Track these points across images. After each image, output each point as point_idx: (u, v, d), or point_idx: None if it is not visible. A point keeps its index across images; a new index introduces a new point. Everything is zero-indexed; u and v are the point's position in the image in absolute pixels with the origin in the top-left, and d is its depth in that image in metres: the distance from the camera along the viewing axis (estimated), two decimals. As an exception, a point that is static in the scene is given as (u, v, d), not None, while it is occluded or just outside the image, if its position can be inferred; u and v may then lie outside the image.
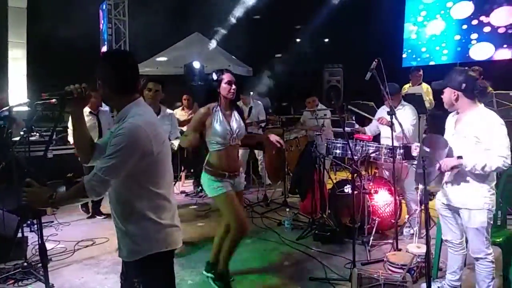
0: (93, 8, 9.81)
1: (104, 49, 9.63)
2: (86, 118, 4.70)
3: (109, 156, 1.68)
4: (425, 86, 6.52)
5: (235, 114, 3.11)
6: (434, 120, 6.57)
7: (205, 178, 3.10)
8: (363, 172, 4.39)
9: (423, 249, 3.35)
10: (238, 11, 9.58)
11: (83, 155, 1.93)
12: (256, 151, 6.65)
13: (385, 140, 4.39)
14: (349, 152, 3.87)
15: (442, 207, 2.88)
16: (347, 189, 4.24)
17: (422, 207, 3.44)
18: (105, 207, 5.08)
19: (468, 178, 2.62)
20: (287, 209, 5.03)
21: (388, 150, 4.07)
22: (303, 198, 5.08)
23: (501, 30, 6.77)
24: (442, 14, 7.56)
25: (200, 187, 6.50)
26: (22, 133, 4.98)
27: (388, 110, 3.81)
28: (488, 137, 2.52)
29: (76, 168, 5.26)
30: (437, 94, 6.16)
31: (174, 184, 6.36)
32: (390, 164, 3.99)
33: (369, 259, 3.71)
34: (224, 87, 3.00)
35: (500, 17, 6.75)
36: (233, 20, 9.71)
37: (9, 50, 8.28)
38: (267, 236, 4.48)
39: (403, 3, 8.28)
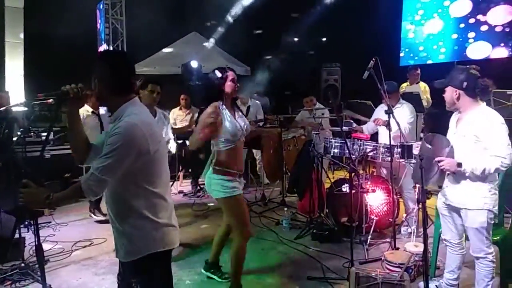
0: (90, 8, 9.77)
1: (101, 48, 9.60)
2: (89, 118, 4.73)
3: (106, 155, 1.68)
4: (422, 85, 6.54)
5: (237, 111, 3.11)
6: (431, 119, 6.60)
7: (215, 178, 2.94)
8: (361, 171, 4.39)
9: (420, 248, 3.36)
10: (236, 10, 9.57)
11: (79, 155, 1.92)
12: (254, 151, 6.64)
13: (383, 138, 4.40)
14: (347, 151, 3.87)
15: (442, 206, 2.89)
16: (345, 188, 4.25)
17: (420, 206, 3.44)
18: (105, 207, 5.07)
19: (468, 178, 2.61)
20: (285, 209, 5.03)
21: (386, 149, 4.08)
22: (301, 197, 5.08)
23: (498, 29, 6.78)
24: (440, 13, 7.57)
25: (198, 187, 6.50)
26: (19, 133, 4.97)
27: (386, 108, 3.82)
28: (487, 136, 2.51)
29: (74, 168, 5.25)
30: (435, 93, 6.22)
31: (172, 184, 6.38)
32: (388, 163, 3.99)
33: (367, 258, 3.72)
34: (229, 85, 2.98)
35: (497, 15, 6.75)
36: (230, 19, 9.70)
37: (5, 50, 8.25)
38: (265, 235, 4.48)
39: (401, 2, 8.28)
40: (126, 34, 9.78)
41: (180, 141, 6.37)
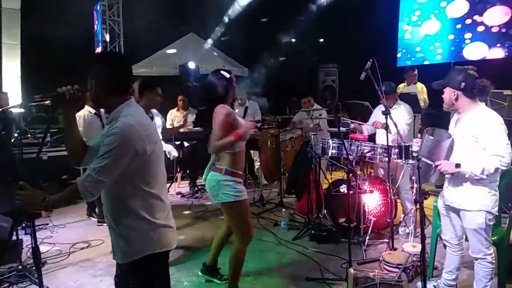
0: (87, 9, 9.75)
1: (98, 50, 9.59)
2: (92, 119, 4.70)
3: (102, 156, 1.67)
4: (419, 85, 6.56)
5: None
6: (428, 119, 6.61)
7: (228, 180, 2.83)
8: (359, 172, 4.40)
9: (418, 248, 3.37)
10: (233, 12, 9.58)
11: (75, 157, 1.91)
12: (252, 152, 6.64)
13: (381, 139, 4.41)
14: (345, 152, 3.87)
15: (442, 206, 2.89)
16: (343, 189, 4.25)
17: (417, 206, 3.45)
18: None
19: (467, 180, 2.61)
20: (283, 209, 5.02)
21: (383, 150, 4.08)
22: (299, 198, 5.08)
23: (494, 30, 6.81)
24: (436, 14, 7.59)
25: (196, 188, 6.49)
26: (16, 135, 4.95)
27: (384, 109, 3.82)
28: (486, 136, 2.51)
29: (71, 170, 5.23)
30: (433, 94, 6.23)
31: (170, 186, 6.37)
32: (385, 164, 4.00)
33: (365, 258, 3.72)
34: (234, 86, 2.98)
35: (494, 16, 6.78)
36: (228, 21, 9.70)
37: (3, 52, 8.23)
38: (263, 236, 4.48)
39: (398, 3, 8.30)
40: (123, 35, 9.77)
41: (177, 143, 6.37)
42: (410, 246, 3.57)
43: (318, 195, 4.77)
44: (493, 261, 2.68)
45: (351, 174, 3.62)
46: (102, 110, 4.87)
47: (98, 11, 9.56)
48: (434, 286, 3.08)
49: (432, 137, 2.68)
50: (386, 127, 3.82)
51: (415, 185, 4.53)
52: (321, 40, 11.84)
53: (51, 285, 3.32)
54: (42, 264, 3.69)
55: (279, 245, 4.22)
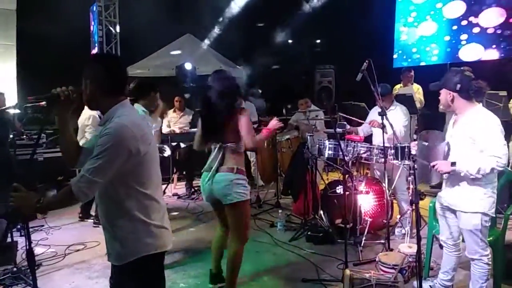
0: (83, 10, 9.73)
1: (94, 51, 9.56)
2: (98, 120, 4.65)
3: (96, 157, 1.67)
4: (416, 86, 6.59)
5: None
6: (424, 120, 6.64)
7: (240, 179, 2.88)
8: (355, 173, 4.40)
9: (414, 249, 3.37)
10: (230, 13, 9.58)
11: (69, 158, 1.91)
12: (248, 153, 6.63)
13: (377, 140, 4.42)
14: (340, 153, 3.88)
15: (439, 207, 2.91)
16: (339, 189, 4.26)
17: (413, 207, 3.46)
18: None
19: (463, 181, 2.62)
20: (280, 211, 5.02)
21: (380, 151, 4.09)
22: (296, 199, 5.08)
23: (489, 31, 6.84)
24: (432, 15, 7.62)
25: (192, 190, 6.48)
26: (11, 136, 4.93)
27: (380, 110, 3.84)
28: (482, 137, 2.52)
29: (67, 171, 5.22)
30: (429, 95, 6.25)
31: (166, 187, 6.36)
32: (382, 165, 4.01)
33: (361, 259, 3.73)
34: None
35: (489, 18, 6.81)
36: (224, 22, 9.70)
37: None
38: (260, 237, 4.47)
39: (394, 4, 8.33)
40: (120, 36, 9.75)
41: (174, 144, 6.36)
42: (406, 247, 3.58)
43: (314, 196, 4.77)
44: (490, 262, 2.69)
45: (347, 175, 3.63)
46: None
47: (94, 12, 9.53)
48: (430, 286, 3.08)
49: (426, 143, 2.69)
50: (382, 127, 3.83)
51: (411, 186, 4.54)
52: (318, 41, 11.87)
53: (46, 287, 3.30)
54: (37, 266, 3.67)
55: (276, 246, 4.22)
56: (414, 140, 4.89)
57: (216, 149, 2.93)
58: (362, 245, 3.95)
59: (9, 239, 3.75)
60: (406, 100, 5.03)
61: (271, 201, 5.84)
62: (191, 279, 3.48)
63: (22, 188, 1.68)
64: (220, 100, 2.87)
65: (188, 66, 8.39)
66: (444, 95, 2.72)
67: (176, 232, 4.64)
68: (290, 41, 10.72)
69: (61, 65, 8.13)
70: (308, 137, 4.67)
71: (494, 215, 2.67)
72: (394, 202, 4.57)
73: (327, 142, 4.35)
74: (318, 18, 9.61)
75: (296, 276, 3.49)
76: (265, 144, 5.95)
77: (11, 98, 7.79)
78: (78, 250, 4.17)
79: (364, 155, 4.18)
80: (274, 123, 3.18)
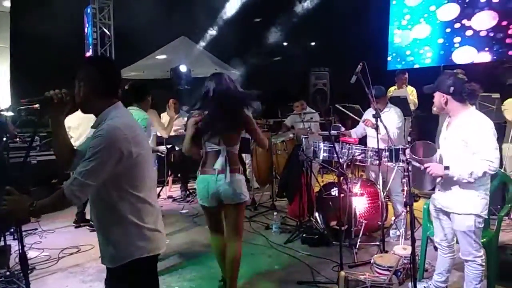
0: (77, 12, 9.69)
1: (89, 53, 9.52)
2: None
3: (89, 159, 1.66)
4: (410, 89, 6.64)
5: None
6: (418, 122, 6.68)
7: (243, 180, 2.99)
8: (350, 175, 4.41)
9: (409, 251, 3.37)
10: (224, 15, 9.59)
11: (63, 161, 1.90)
12: (244, 155, 6.63)
13: (372, 141, 4.43)
14: (335, 155, 3.89)
15: (433, 209, 2.92)
16: (334, 192, 4.26)
17: (407, 209, 3.48)
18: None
19: (457, 183, 2.64)
20: (275, 213, 5.02)
21: (374, 153, 4.11)
22: (291, 201, 5.08)
23: (482, 34, 6.90)
24: (426, 18, 7.68)
25: (187, 192, 6.46)
26: (4, 139, 4.88)
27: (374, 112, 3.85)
28: (475, 140, 2.53)
29: (61, 174, 5.18)
30: (422, 97, 6.28)
31: (161, 190, 6.34)
32: (376, 167, 4.02)
33: (356, 261, 3.73)
34: None
35: (482, 20, 6.88)
36: (219, 24, 9.71)
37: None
38: (255, 240, 4.47)
39: (388, 7, 8.38)
40: (114, 38, 9.71)
41: (169, 146, 6.34)
42: (401, 249, 3.59)
43: (309, 198, 4.78)
44: (483, 263, 2.71)
45: (342, 177, 3.64)
46: None
47: (88, 14, 9.50)
48: (424, 287, 3.10)
49: (417, 165, 2.68)
50: (376, 127, 3.85)
51: (405, 188, 4.56)
52: (313, 43, 11.91)
53: (39, 291, 3.28)
54: (31, 270, 3.64)
55: (271, 249, 4.22)
56: (409, 142, 4.93)
57: (220, 150, 2.88)
58: (357, 247, 3.95)
59: (2, 243, 3.71)
60: (400, 102, 5.06)
61: (266, 203, 5.84)
62: (186, 282, 3.47)
63: (15, 192, 1.67)
64: (242, 101, 2.90)
65: (183, 68, 8.38)
66: (438, 98, 2.73)
67: (171, 235, 4.62)
68: (285, 43, 10.75)
69: (55, 67, 8.08)
70: (303, 139, 4.68)
71: (487, 217, 2.69)
72: (389, 204, 4.58)
73: (322, 144, 4.35)
74: (313, 20, 9.65)
75: (291, 278, 3.49)
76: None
77: (5, 101, 7.75)
78: (72, 254, 4.14)
79: (358, 157, 4.19)
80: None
